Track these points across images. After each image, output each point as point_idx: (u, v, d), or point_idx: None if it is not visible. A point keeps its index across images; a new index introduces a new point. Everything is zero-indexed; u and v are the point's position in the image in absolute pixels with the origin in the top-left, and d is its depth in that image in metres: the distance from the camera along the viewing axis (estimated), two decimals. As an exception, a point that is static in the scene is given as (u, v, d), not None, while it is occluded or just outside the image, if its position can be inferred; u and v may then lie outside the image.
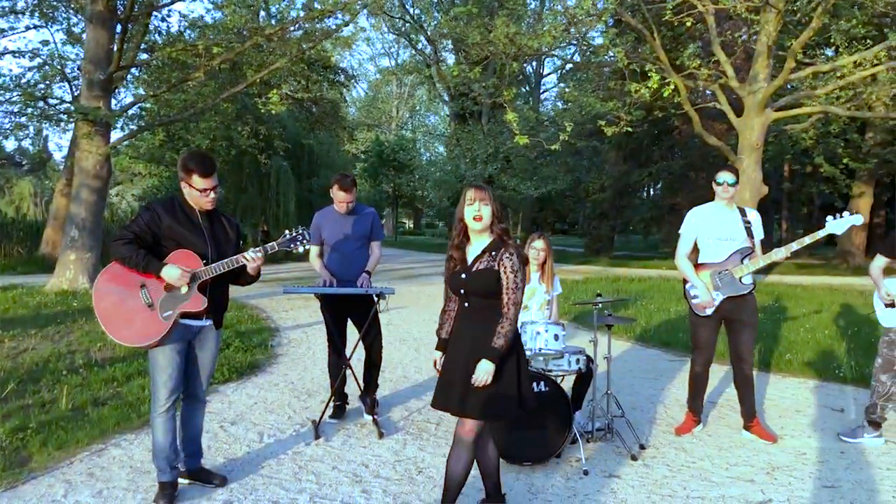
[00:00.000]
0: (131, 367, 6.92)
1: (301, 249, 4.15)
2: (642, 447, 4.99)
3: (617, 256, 31.41)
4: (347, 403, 5.75)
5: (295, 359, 7.96)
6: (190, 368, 4.05)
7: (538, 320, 4.84)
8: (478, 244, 3.56)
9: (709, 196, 5.42)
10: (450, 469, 3.53)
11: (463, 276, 3.52)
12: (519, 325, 4.79)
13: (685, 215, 5.42)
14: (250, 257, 3.92)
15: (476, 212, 3.45)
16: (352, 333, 5.75)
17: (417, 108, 52.40)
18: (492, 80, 19.01)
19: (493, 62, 16.84)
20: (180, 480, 4.07)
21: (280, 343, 8.91)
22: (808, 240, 5.15)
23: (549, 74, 37.72)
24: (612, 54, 15.90)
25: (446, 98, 35.80)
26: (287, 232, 4.20)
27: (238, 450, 4.83)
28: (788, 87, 18.37)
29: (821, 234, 5.05)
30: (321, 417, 5.36)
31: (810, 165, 28.31)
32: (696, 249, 5.36)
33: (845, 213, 4.98)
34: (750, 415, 5.30)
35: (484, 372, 3.36)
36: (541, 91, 37.24)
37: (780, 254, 5.08)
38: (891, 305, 4.98)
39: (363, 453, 4.79)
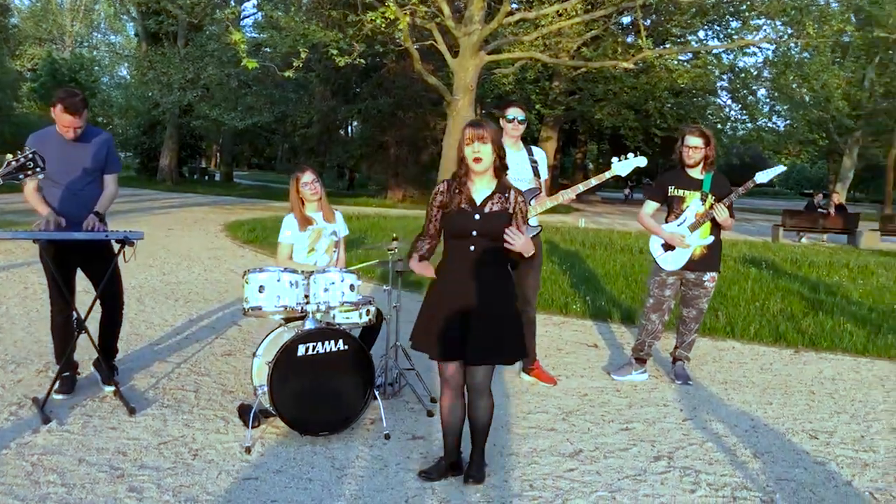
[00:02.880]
0: None
1: (36, 180, 3.09)
2: (434, 400, 4.66)
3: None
4: (79, 373, 4.68)
5: (-16, 317, 6.46)
6: None
7: (329, 269, 4.23)
8: (483, 183, 3.34)
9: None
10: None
11: (476, 216, 3.27)
12: (302, 276, 4.17)
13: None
14: None
15: (475, 153, 3.23)
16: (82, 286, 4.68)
17: (99, 24, 46.72)
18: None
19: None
20: None
21: (-42, 297, 7.22)
22: (594, 181, 5.12)
23: (249, -1, 35.58)
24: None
25: (135, 15, 32.26)
26: (10, 157, 3.10)
27: (-65, 448, 3.64)
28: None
29: (607, 175, 5.04)
30: (48, 394, 4.25)
31: (497, 109, 30.16)
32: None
33: (630, 155, 5.00)
34: (531, 358, 5.22)
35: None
36: (241, 17, 34.97)
37: (567, 195, 4.98)
38: (670, 248, 5.13)
39: (115, 437, 3.86)
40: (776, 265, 12.09)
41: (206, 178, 43.80)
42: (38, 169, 3.10)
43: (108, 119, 41.73)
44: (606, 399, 4.90)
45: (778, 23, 19.73)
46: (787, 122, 31.06)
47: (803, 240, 19.13)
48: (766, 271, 11.31)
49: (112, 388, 4.46)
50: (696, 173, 5.11)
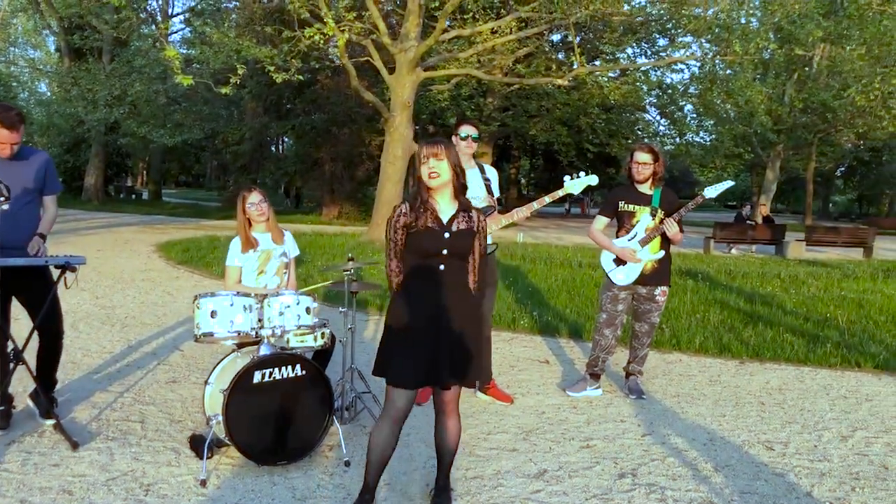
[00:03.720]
0: None
1: None
2: (391, 424, 4.56)
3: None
4: (14, 407, 4.41)
5: None
6: None
7: (284, 291, 4.10)
8: (446, 203, 3.28)
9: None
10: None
11: (446, 235, 3.20)
12: (255, 299, 4.04)
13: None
14: None
15: (431, 169, 3.18)
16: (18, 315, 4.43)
17: (17, 39, 44.93)
18: (125, 12, 16.75)
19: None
20: None
21: None
22: (547, 199, 5.12)
23: (177, 15, 34.87)
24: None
25: (56, 30, 31.22)
26: None
27: None
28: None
29: (559, 193, 5.05)
30: (-19, 431, 4.01)
31: (432, 125, 30.32)
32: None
33: (581, 174, 5.02)
34: (487, 376, 5.17)
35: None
36: (169, 32, 34.22)
37: (521, 213, 4.98)
38: (622, 263, 5.16)
39: (59, 475, 3.64)
40: (711, 277, 12.37)
41: (134, 196, 42.63)
42: (1, 198, 2.93)
43: (28, 137, 40.28)
44: (564, 416, 4.89)
45: (703, 40, 20.36)
46: (713, 136, 31.99)
47: (733, 251, 19.67)
48: (703, 283, 11.56)
49: (52, 422, 4.22)
50: (645, 189, 5.16)
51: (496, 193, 5.04)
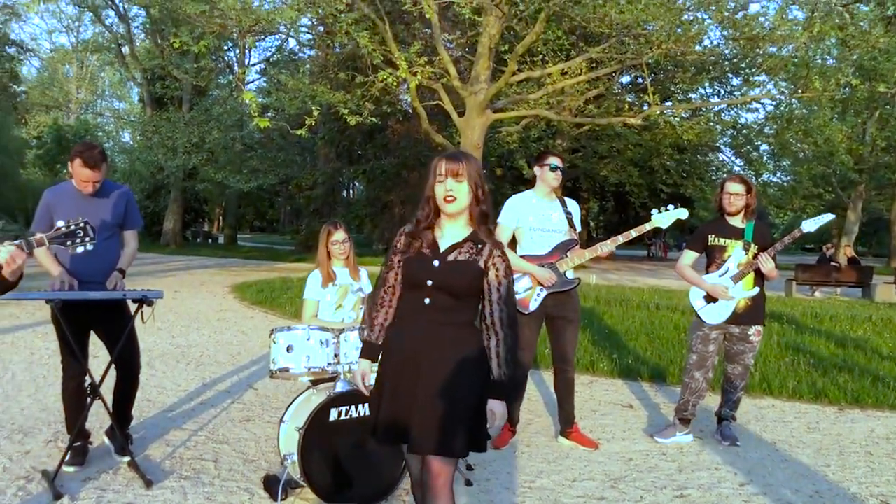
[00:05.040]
0: None
1: (81, 249, 2.93)
2: (470, 468, 4.34)
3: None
4: (91, 443, 4.38)
5: (-12, 384, 6.16)
6: None
7: (361, 326, 3.97)
8: (452, 229, 2.73)
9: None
10: None
11: (435, 262, 2.65)
12: (332, 334, 3.93)
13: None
14: (4, 255, 2.61)
15: (448, 191, 2.63)
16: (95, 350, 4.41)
17: (104, 91, 47.20)
18: (204, 61, 17.31)
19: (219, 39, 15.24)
20: None
21: (-40, 364, 6.94)
22: (633, 233, 4.91)
23: (255, 64, 35.89)
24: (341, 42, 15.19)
25: (140, 81, 32.63)
26: (62, 223, 2.97)
27: (-64, 529, 3.33)
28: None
29: (647, 226, 4.83)
30: (59, 466, 3.94)
31: (499, 168, 30.32)
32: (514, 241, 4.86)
33: (670, 207, 4.81)
34: (569, 421, 4.91)
35: (501, 416, 2.65)
36: (246, 83, 35.33)
37: (605, 247, 4.77)
38: (712, 301, 4.88)
39: (132, 514, 3.56)
40: (797, 320, 11.80)
41: (210, 241, 43.76)
42: (87, 238, 2.96)
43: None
44: (654, 463, 4.59)
45: (779, 79, 19.83)
46: (790, 177, 31.08)
47: (816, 294, 18.86)
48: (789, 326, 11.02)
49: (127, 459, 4.16)
50: (737, 222, 4.90)
51: (578, 227, 4.85)
